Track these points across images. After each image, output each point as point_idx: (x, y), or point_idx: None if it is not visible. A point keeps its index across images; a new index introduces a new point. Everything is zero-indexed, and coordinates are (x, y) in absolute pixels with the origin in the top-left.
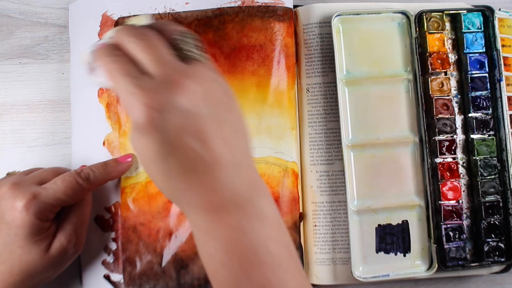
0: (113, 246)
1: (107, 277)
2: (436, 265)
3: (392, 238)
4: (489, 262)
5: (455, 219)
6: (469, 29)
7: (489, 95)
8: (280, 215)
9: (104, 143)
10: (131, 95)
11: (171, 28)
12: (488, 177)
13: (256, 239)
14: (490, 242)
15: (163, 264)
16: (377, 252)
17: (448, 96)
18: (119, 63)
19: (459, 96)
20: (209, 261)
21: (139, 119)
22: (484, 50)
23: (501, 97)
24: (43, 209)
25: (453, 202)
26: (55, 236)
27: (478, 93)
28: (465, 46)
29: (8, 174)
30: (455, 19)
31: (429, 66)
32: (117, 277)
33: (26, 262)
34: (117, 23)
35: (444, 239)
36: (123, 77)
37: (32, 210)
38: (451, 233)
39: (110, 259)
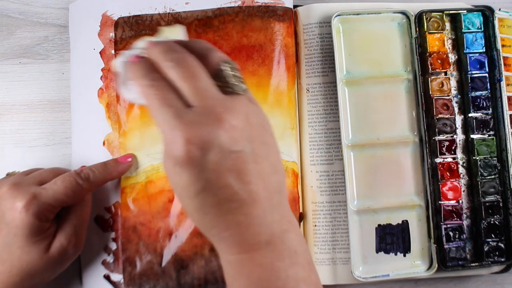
0: (113, 246)
1: (107, 277)
2: (436, 265)
3: (392, 238)
4: (489, 262)
5: (455, 219)
6: (469, 29)
7: (489, 95)
8: (308, 249)
9: (104, 143)
10: (171, 128)
11: (213, 56)
12: (488, 177)
13: (287, 280)
14: (490, 242)
15: (163, 264)
16: (377, 252)
17: (448, 96)
18: (159, 90)
19: (459, 96)
20: None
21: (178, 153)
22: (484, 50)
23: (501, 97)
24: (43, 209)
25: (453, 202)
26: (55, 237)
27: (478, 93)
28: (465, 46)
29: (8, 175)
30: (455, 19)
31: (429, 66)
32: (117, 277)
33: (25, 262)
34: (117, 23)
35: (444, 239)
36: (163, 107)
37: (31, 211)
38: (451, 233)
39: (110, 259)
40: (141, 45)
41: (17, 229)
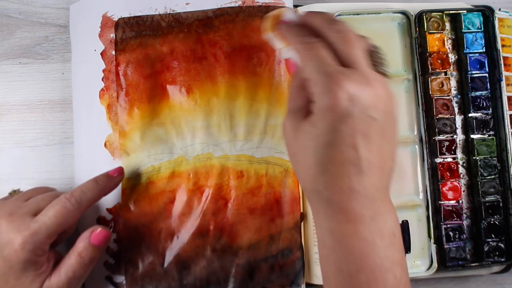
0: (115, 247)
1: (109, 279)
2: (436, 265)
3: None
4: (489, 262)
5: (455, 219)
6: (469, 29)
7: (489, 95)
8: (401, 236)
9: (105, 145)
10: (326, 76)
11: (364, 38)
12: (488, 177)
13: (386, 259)
14: (490, 242)
15: (165, 265)
16: None
17: (448, 96)
18: (316, 48)
19: (459, 96)
20: (329, 267)
21: (327, 99)
22: (484, 50)
23: (501, 97)
24: (38, 244)
25: (453, 202)
26: (51, 277)
27: (478, 93)
28: (465, 46)
29: (10, 194)
30: (455, 19)
31: (429, 66)
32: (119, 278)
33: None
34: (118, 24)
35: (444, 239)
36: (318, 59)
37: (27, 248)
38: (451, 233)
39: (112, 260)
40: (290, 13)
41: (13, 263)
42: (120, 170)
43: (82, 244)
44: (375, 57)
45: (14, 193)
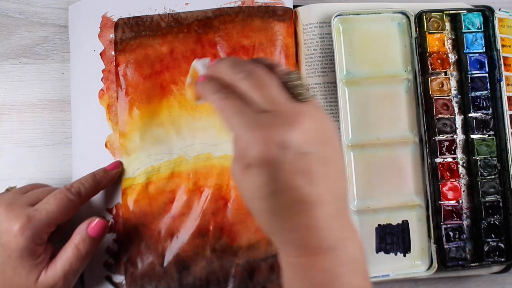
0: (115, 247)
1: (109, 278)
2: (436, 265)
3: (392, 238)
4: (489, 262)
5: (455, 219)
6: (469, 29)
7: (489, 95)
8: (366, 260)
9: (106, 145)
10: (248, 130)
11: (279, 66)
12: (488, 177)
13: (347, 287)
14: (490, 242)
15: (165, 264)
16: (377, 252)
17: (448, 96)
18: (232, 100)
19: (459, 96)
20: None
21: (256, 153)
22: (484, 50)
23: (501, 97)
24: (37, 231)
25: (453, 202)
26: (47, 270)
27: (478, 93)
28: (465, 46)
29: (7, 190)
30: (455, 19)
31: (429, 66)
32: (119, 278)
33: (16, 284)
34: (117, 24)
35: (444, 239)
36: (239, 113)
37: (26, 234)
38: (451, 233)
39: (111, 260)
40: (202, 62)
41: (11, 251)
42: (116, 164)
43: (79, 236)
44: (291, 86)
45: (11, 189)
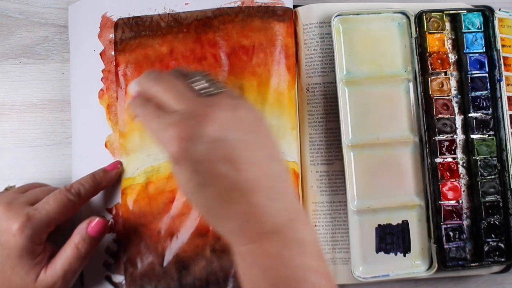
0: (114, 247)
1: (108, 278)
2: (436, 265)
3: (392, 238)
4: (489, 262)
5: (455, 219)
6: (469, 29)
7: (489, 95)
8: (317, 240)
9: (106, 145)
10: (163, 132)
11: (187, 71)
12: (488, 177)
13: (296, 269)
14: (490, 242)
15: (165, 264)
16: (377, 252)
17: (448, 96)
18: (149, 109)
19: (459, 96)
20: (247, 285)
21: (173, 151)
22: (484, 50)
23: (501, 97)
24: (37, 231)
25: (453, 202)
26: (46, 270)
27: (478, 93)
28: (465, 46)
29: (6, 189)
30: (455, 19)
31: (429, 66)
32: (118, 278)
33: (15, 284)
34: (117, 24)
35: (444, 239)
36: (153, 119)
37: (25, 233)
38: (451, 233)
39: (111, 260)
40: (133, 84)
41: (10, 250)
42: (116, 165)
43: (78, 236)
44: (198, 82)
45: (10, 188)
